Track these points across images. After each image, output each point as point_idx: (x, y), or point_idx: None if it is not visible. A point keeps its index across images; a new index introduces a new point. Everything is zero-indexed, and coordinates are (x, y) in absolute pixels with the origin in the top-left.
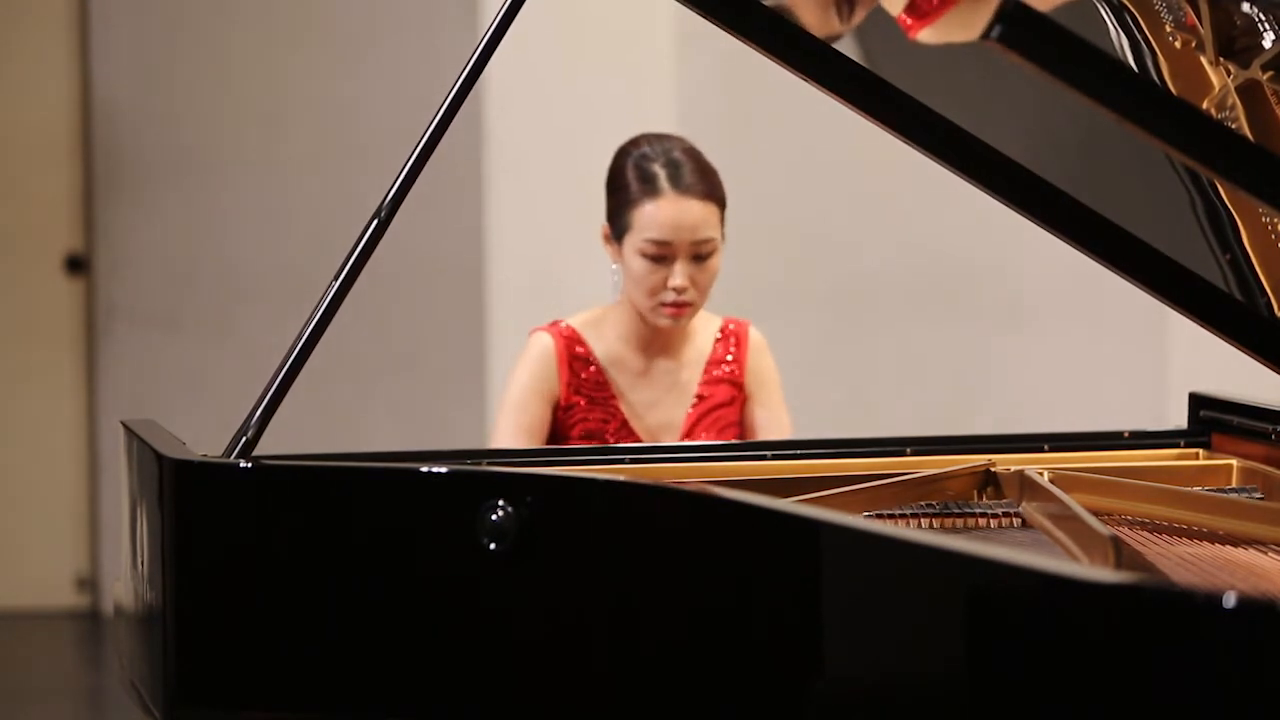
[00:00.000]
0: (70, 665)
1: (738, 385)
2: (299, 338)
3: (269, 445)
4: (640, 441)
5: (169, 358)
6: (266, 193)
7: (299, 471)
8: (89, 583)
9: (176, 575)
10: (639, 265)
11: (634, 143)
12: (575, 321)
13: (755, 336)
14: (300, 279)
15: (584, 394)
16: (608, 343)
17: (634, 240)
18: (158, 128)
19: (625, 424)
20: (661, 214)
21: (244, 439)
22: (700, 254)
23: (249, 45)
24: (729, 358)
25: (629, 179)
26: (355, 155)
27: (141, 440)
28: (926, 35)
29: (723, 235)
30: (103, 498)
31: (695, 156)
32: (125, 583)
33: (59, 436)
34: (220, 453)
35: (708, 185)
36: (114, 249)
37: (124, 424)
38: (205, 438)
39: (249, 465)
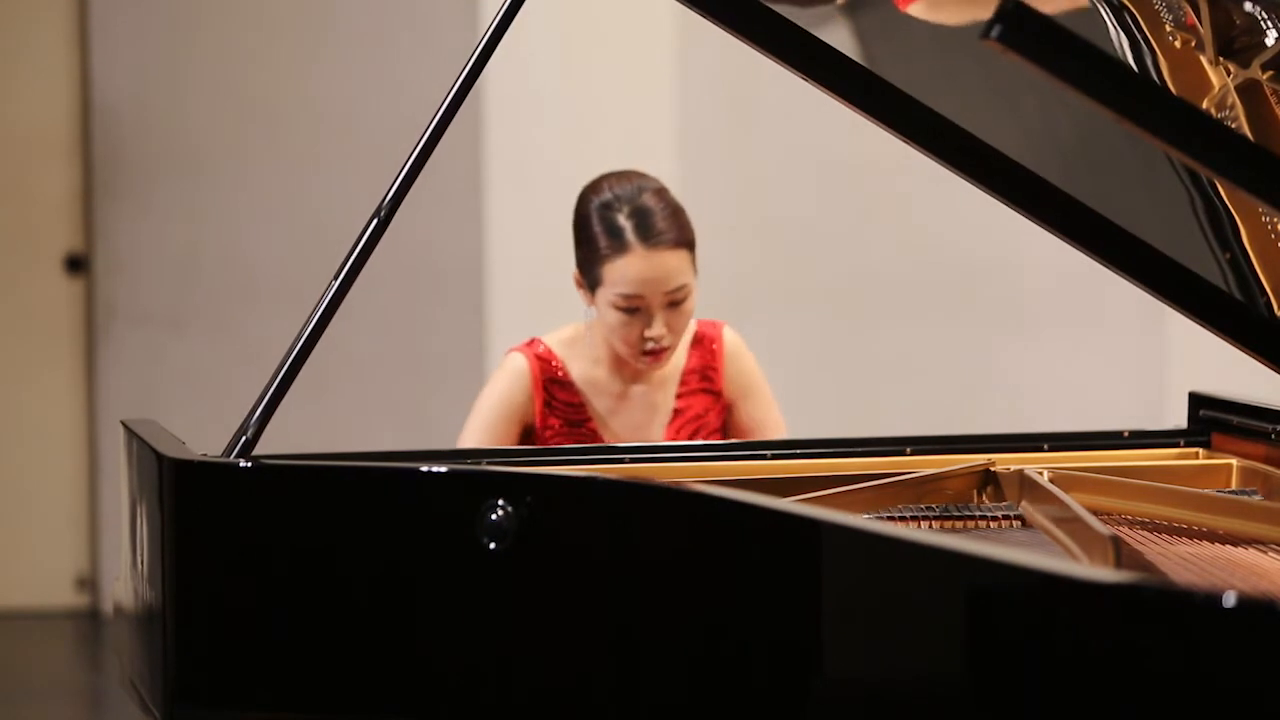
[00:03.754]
0: (70, 665)
1: (715, 395)
2: (299, 338)
3: (269, 445)
4: None
5: (169, 358)
6: (266, 192)
7: (299, 471)
8: (89, 583)
9: (176, 575)
10: (614, 318)
11: (595, 188)
12: (552, 341)
13: (730, 339)
14: (300, 278)
15: (560, 416)
16: (584, 364)
17: (606, 294)
18: (158, 127)
19: None
20: (632, 270)
21: (244, 439)
22: (675, 301)
23: (249, 45)
24: (705, 368)
25: (595, 231)
26: (355, 155)
27: (141, 440)
28: (918, 10)
29: (695, 273)
30: (103, 498)
31: (662, 197)
32: (125, 582)
33: (59, 436)
34: (220, 453)
35: (676, 231)
36: (114, 249)
37: (124, 424)
38: (205, 438)
39: (249, 465)
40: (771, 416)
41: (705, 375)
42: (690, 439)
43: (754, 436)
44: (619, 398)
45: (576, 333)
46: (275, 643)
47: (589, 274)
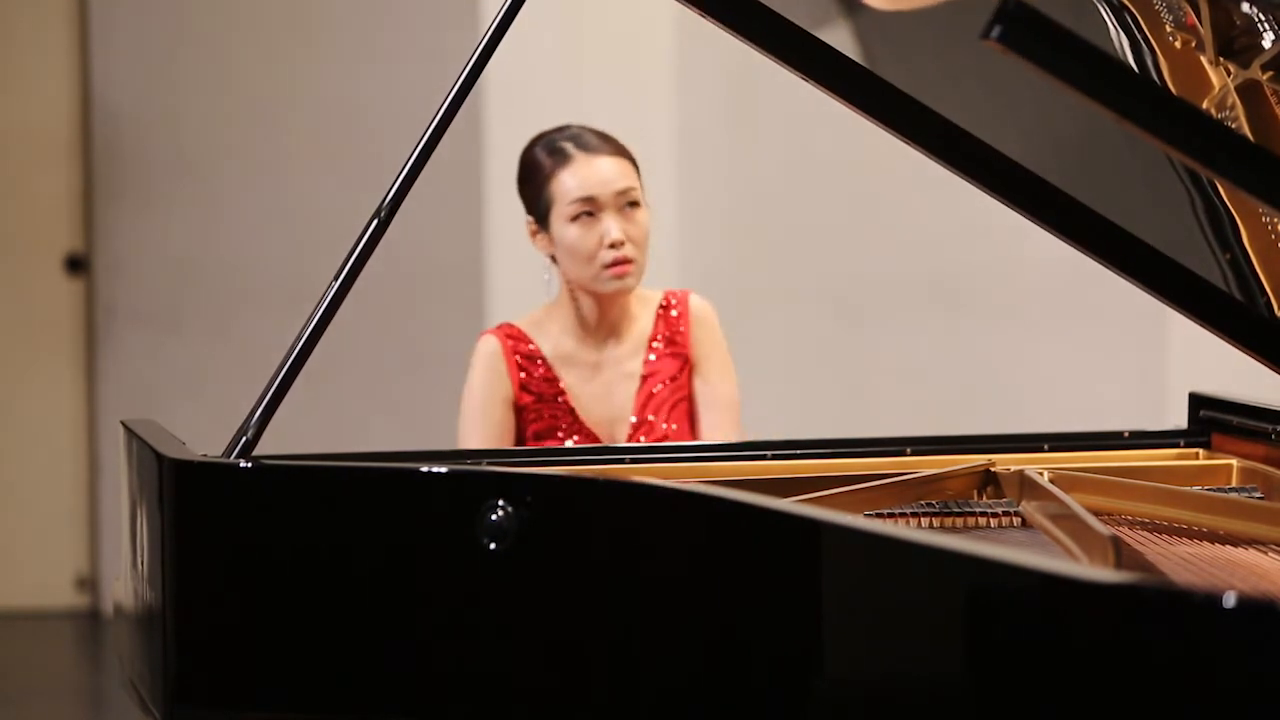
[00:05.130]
0: (70, 665)
1: (682, 358)
2: (299, 338)
3: (269, 445)
4: (593, 436)
5: (169, 358)
6: (266, 193)
7: (299, 471)
8: (89, 583)
9: (176, 575)
10: (572, 233)
11: (536, 138)
12: (520, 322)
13: (696, 304)
14: (300, 279)
15: (533, 392)
16: (554, 340)
17: (560, 211)
18: (158, 128)
19: (576, 419)
20: (578, 174)
21: (244, 439)
22: (627, 203)
23: (249, 45)
24: (672, 331)
25: (538, 160)
26: (355, 155)
27: (141, 440)
28: (879, 1)
29: (644, 197)
30: (103, 498)
31: (595, 130)
32: (125, 583)
33: (59, 436)
34: (220, 453)
35: (615, 145)
36: (114, 249)
37: (124, 424)
38: (205, 438)
39: (249, 465)
40: (724, 388)
41: (672, 339)
42: (662, 405)
43: (703, 401)
44: (591, 368)
45: (541, 315)
46: (275, 643)
47: (540, 204)
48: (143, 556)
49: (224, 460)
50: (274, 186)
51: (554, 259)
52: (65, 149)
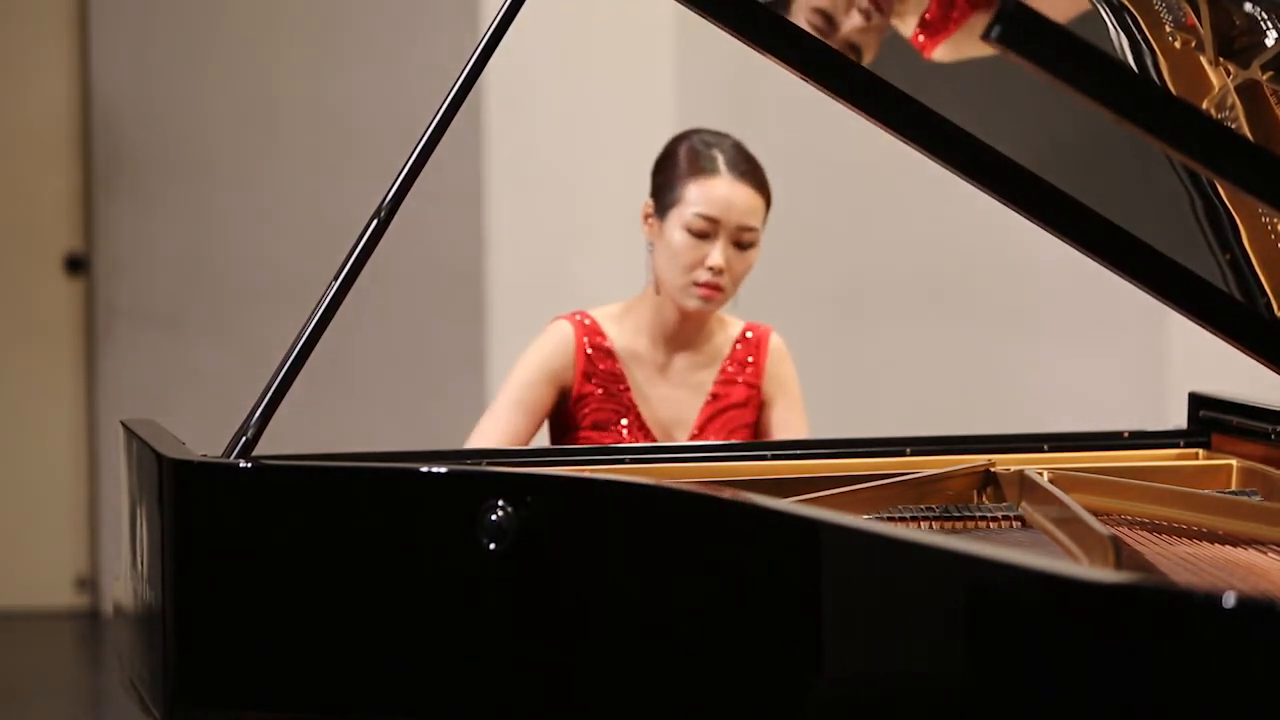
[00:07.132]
0: (70, 665)
1: (754, 388)
2: (299, 338)
3: (269, 445)
4: (651, 436)
5: (169, 358)
6: (266, 193)
7: (299, 471)
8: (89, 583)
9: (176, 575)
10: (681, 239)
11: (692, 131)
12: (597, 314)
13: (776, 342)
14: (300, 279)
15: (598, 384)
16: (628, 336)
17: (682, 213)
18: (158, 128)
19: (638, 417)
20: (716, 190)
21: (244, 439)
22: (742, 242)
23: (249, 45)
24: (748, 360)
25: (685, 158)
26: (355, 155)
27: (141, 440)
28: (941, 53)
29: (761, 239)
30: (103, 498)
31: (748, 153)
32: (125, 583)
33: (59, 436)
34: (220, 453)
35: (760, 179)
36: (114, 249)
37: (124, 424)
38: (205, 438)
39: (249, 465)
40: (795, 424)
41: (747, 369)
42: (722, 428)
43: (782, 432)
44: (659, 368)
45: (622, 308)
46: (275, 643)
47: (667, 196)
48: (143, 556)
49: (224, 460)
50: (274, 186)
51: (652, 249)
52: (65, 148)
